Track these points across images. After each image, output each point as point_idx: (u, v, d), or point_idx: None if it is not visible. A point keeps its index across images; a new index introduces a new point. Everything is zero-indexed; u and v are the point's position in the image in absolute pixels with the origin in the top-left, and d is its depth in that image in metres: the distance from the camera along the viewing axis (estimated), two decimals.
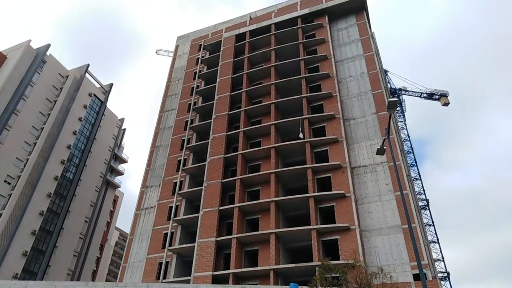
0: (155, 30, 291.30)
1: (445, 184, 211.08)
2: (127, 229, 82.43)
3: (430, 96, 68.09)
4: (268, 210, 30.46)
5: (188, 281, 28.67)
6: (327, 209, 29.36)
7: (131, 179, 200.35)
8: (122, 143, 73.73)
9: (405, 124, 69.19)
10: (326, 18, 43.00)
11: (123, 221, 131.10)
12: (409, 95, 69.32)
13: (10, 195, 46.55)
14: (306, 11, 44.23)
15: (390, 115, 17.32)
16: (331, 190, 29.62)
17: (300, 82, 37.76)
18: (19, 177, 48.29)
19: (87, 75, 63.94)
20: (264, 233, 29.11)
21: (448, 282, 55.28)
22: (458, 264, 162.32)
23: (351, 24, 42.45)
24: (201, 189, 34.53)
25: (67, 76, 60.94)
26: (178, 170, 39.06)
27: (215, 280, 28.07)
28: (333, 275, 16.04)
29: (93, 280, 59.60)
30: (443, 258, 58.05)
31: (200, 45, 51.59)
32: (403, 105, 69.85)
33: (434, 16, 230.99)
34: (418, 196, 59.66)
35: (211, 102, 41.89)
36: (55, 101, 57.17)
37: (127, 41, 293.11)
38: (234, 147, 37.51)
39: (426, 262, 24.52)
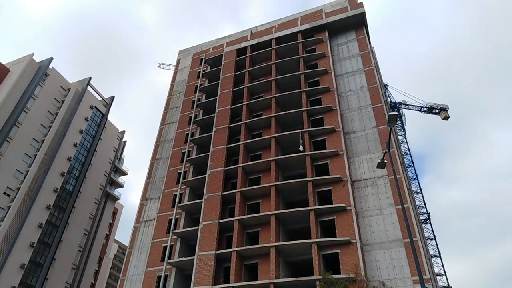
0: (156, 44, 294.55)
1: (445, 197, 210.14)
2: (126, 241, 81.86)
3: (430, 110, 68.41)
4: (268, 223, 30.30)
5: None
6: (328, 223, 29.20)
7: (131, 192, 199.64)
8: (123, 156, 73.78)
9: (405, 138, 69.34)
10: (326, 33, 43.56)
11: (123, 233, 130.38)
12: (409, 109, 69.67)
13: (9, 207, 46.37)
14: (306, 26, 44.83)
15: (391, 129, 17.42)
16: (331, 204, 29.51)
17: (300, 96, 38.03)
18: (18, 189, 48.18)
19: (89, 88, 64.43)
20: (264, 247, 28.89)
21: None
22: (460, 278, 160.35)
23: (351, 39, 42.99)
24: (201, 201, 34.41)
25: (69, 89, 61.40)
26: (178, 183, 39.00)
27: None
28: None
29: None
30: (445, 272, 57.45)
31: (202, 59, 52.14)
32: (403, 119, 70.13)
33: (433, 31, 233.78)
34: (419, 209, 59.37)
35: (212, 115, 42.09)
36: (57, 114, 57.46)
37: (129, 55, 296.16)
38: (235, 160, 37.53)
39: (428, 277, 24.28)
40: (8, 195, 47.33)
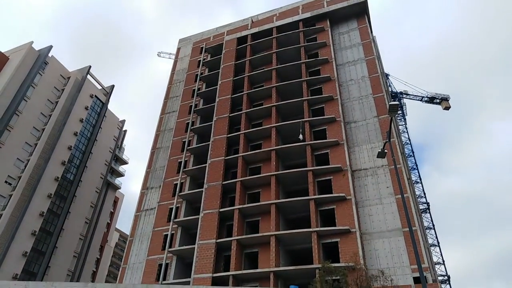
0: (156, 33, 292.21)
1: (444, 187, 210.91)
2: (127, 230, 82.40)
3: (431, 100, 68.15)
4: (268, 212, 30.46)
5: (188, 283, 28.62)
6: (328, 212, 29.37)
7: (131, 181, 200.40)
8: (123, 145, 73.85)
9: (406, 128, 69.22)
10: (328, 22, 43.15)
11: (124, 222, 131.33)
12: (410, 99, 69.42)
13: (11, 195, 46.60)
14: (307, 14, 44.39)
15: (391, 118, 17.37)
16: (331, 193, 29.63)
17: (301, 85, 37.86)
18: (19, 177, 48.36)
19: (88, 76, 64.13)
20: (264, 235, 29.10)
21: (448, 285, 55.15)
22: (458, 267, 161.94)
23: (353, 28, 42.61)
24: (202, 191, 34.55)
25: (68, 78, 61.13)
26: (178, 172, 39.09)
27: (215, 282, 28.02)
28: (334, 277, 16.04)
29: (92, 281, 59.44)
30: (443, 261, 57.93)
31: (202, 47, 51.76)
32: (404, 108, 69.91)
33: (435, 21, 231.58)
34: (418, 199, 59.63)
35: (212, 104, 41.97)
36: (57, 102, 57.32)
37: (128, 45, 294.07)
38: (235, 149, 37.57)
39: (426, 265, 24.50)
40: (10, 184, 47.53)
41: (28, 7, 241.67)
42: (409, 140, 68.37)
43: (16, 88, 51.80)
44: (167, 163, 40.77)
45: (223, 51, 46.58)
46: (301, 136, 32.64)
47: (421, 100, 68.74)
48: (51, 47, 58.86)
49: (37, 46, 59.00)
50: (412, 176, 58.86)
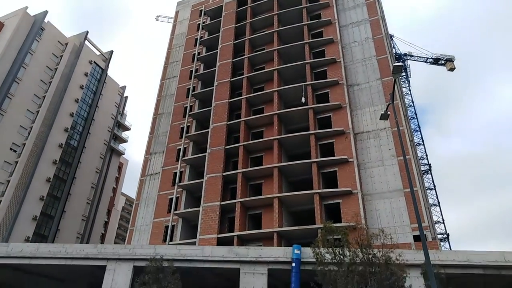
0: None
1: (446, 149, 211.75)
2: (133, 194, 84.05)
3: (436, 61, 66.88)
4: (271, 175, 30.94)
5: (194, 243, 29.63)
6: (330, 174, 29.81)
7: (134, 147, 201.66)
8: (125, 111, 73.71)
9: (410, 90, 68.47)
10: None
11: (129, 187, 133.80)
12: (414, 60, 68.12)
13: (17, 162, 47.26)
14: None
15: (395, 80, 17.21)
16: (334, 156, 29.92)
17: (303, 48, 37.16)
18: (24, 144, 48.79)
19: (86, 42, 62.90)
20: (268, 198, 29.75)
21: (447, 243, 56.81)
22: (457, 226, 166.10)
23: None
24: (205, 155, 34.93)
25: (66, 44, 59.98)
26: (181, 137, 39.33)
27: (220, 242, 29.00)
28: (335, 236, 16.54)
29: (101, 243, 61.54)
30: (443, 220, 59.27)
31: (201, 10, 50.31)
32: (408, 70, 68.80)
33: None
34: (420, 160, 60.08)
35: (213, 69, 41.43)
36: (56, 69, 56.66)
37: (126, 8, 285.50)
38: (237, 114, 37.53)
39: (426, 224, 25.19)
40: (15, 151, 48.05)
41: None
42: (412, 102, 67.85)
43: (14, 55, 51.05)
44: (170, 129, 40.92)
45: (223, 14, 45.34)
46: (303, 100, 32.49)
47: (425, 62, 67.49)
48: (46, 12, 57.31)
49: (31, 12, 57.47)
50: (414, 138, 59.00)
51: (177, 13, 54.93)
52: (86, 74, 60.99)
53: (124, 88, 72.25)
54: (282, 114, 34.03)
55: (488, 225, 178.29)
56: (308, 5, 40.31)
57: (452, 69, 65.89)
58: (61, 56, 58.24)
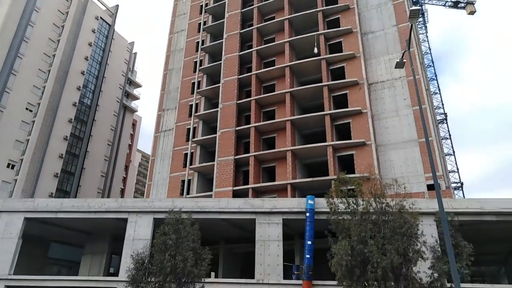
0: None
1: (463, 98, 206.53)
2: (148, 151, 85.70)
3: (456, 4, 63.10)
4: (284, 129, 30.96)
5: (210, 196, 30.56)
6: (343, 126, 29.66)
7: (146, 104, 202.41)
8: (135, 68, 73.13)
9: (427, 36, 65.49)
10: None
11: (144, 144, 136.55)
12: (432, 4, 64.44)
13: (33, 121, 48.18)
14: None
15: (412, 26, 16.41)
16: (347, 107, 29.57)
17: None
18: (39, 104, 49.38)
19: None
20: (281, 151, 30.01)
21: (461, 191, 57.15)
22: (471, 175, 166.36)
23: None
24: (217, 110, 34.92)
25: None
26: (193, 93, 39.17)
27: (235, 194, 29.83)
28: (349, 187, 16.74)
29: (121, 197, 63.93)
30: (457, 169, 59.08)
31: None
32: (425, 15, 65.43)
33: None
34: (436, 110, 58.99)
35: (222, 20, 40.15)
36: (63, 26, 55.73)
37: None
38: (248, 68, 36.90)
39: (440, 173, 25.27)
40: (31, 111, 48.79)
41: None
42: (429, 49, 65.16)
43: (20, 13, 50.12)
44: (181, 84, 40.68)
45: None
46: (316, 50, 31.55)
47: (444, 5, 63.77)
48: None
49: None
50: (430, 87, 57.49)
51: None
52: (93, 31, 59.98)
53: (132, 44, 71.13)
54: (294, 66, 33.30)
55: (501, 175, 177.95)
56: None
57: (472, 13, 62.29)
58: (67, 13, 57.01)
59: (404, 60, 16.97)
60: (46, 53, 52.55)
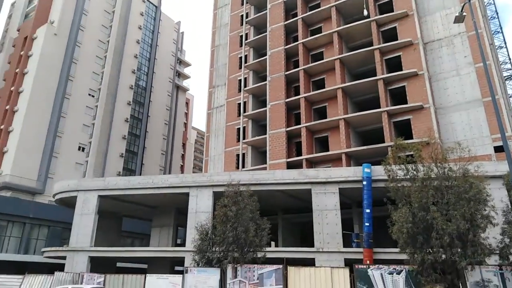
0: None
1: None
2: (202, 128, 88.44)
3: None
4: (335, 97, 30.33)
5: (264, 169, 31.17)
6: (398, 90, 28.42)
7: (197, 82, 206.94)
8: (183, 47, 74.72)
9: None
10: None
11: (197, 121, 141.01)
12: None
13: (96, 106, 51.63)
14: None
15: None
16: (401, 70, 28.15)
17: None
18: (99, 89, 52.64)
19: None
20: (333, 120, 29.57)
21: None
22: None
23: None
24: (266, 84, 34.93)
25: None
26: (240, 68, 39.39)
27: (289, 166, 30.16)
28: (407, 153, 16.27)
29: (181, 173, 67.35)
30: None
31: None
32: None
33: None
34: (502, 66, 54.07)
35: None
36: (113, 12, 57.99)
37: None
38: (294, 37, 36.18)
39: (510, 134, 23.51)
40: (93, 96, 52.23)
41: None
42: None
43: (74, 4, 52.73)
44: (228, 60, 41.02)
45: None
46: (365, 12, 29.97)
47: None
48: None
49: None
50: (495, 41, 52.51)
51: None
52: (141, 14, 61.83)
53: (179, 23, 72.39)
54: (342, 31, 32.06)
55: None
56: None
57: None
58: None
59: (464, 14, 15.72)
60: (101, 39, 55.28)
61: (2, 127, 44.74)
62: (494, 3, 59.71)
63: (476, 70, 25.96)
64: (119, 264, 29.83)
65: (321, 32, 33.70)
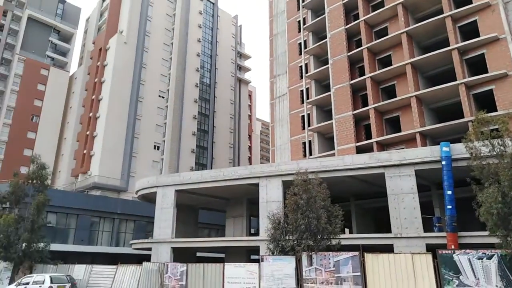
0: None
1: None
2: (266, 118, 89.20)
3: None
4: (403, 74, 28.51)
5: (333, 155, 30.48)
6: (476, 58, 25.80)
7: (257, 74, 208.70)
8: (242, 40, 75.61)
9: None
10: None
11: (261, 112, 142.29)
12: None
13: (167, 106, 54.68)
14: None
15: None
16: (478, 36, 25.46)
17: None
18: (168, 90, 55.60)
19: None
20: (403, 98, 27.86)
21: None
22: None
23: None
24: (328, 67, 33.98)
25: None
26: (300, 54, 38.78)
27: (359, 150, 29.11)
28: (491, 127, 14.75)
29: (250, 164, 68.77)
30: None
31: None
32: None
33: None
34: None
35: None
36: (174, 15, 60.54)
37: None
38: (355, 15, 34.59)
39: None
40: (162, 97, 55.38)
41: None
42: None
43: (138, 12, 55.97)
44: (288, 47, 40.60)
45: None
46: None
47: None
48: None
49: None
50: None
51: None
52: (200, 12, 63.68)
53: (236, 17, 73.29)
54: (406, 2, 29.85)
55: None
56: None
57: None
58: (175, 1, 61.57)
59: None
60: (165, 42, 58.15)
61: (88, 133, 49.52)
62: None
63: None
64: (198, 254, 31.55)
65: (383, 6, 31.76)
